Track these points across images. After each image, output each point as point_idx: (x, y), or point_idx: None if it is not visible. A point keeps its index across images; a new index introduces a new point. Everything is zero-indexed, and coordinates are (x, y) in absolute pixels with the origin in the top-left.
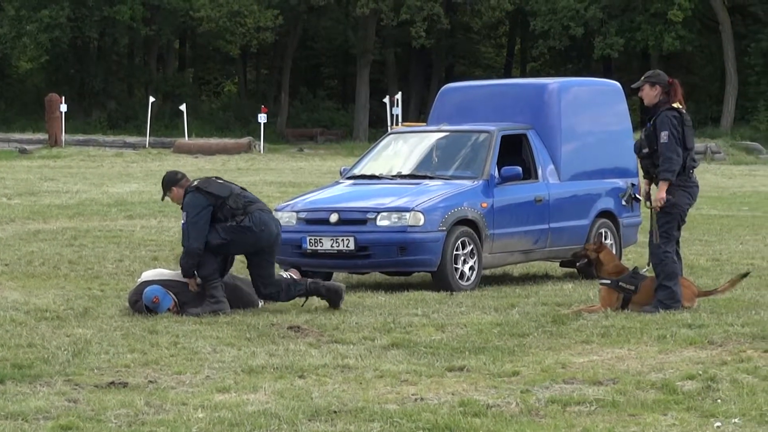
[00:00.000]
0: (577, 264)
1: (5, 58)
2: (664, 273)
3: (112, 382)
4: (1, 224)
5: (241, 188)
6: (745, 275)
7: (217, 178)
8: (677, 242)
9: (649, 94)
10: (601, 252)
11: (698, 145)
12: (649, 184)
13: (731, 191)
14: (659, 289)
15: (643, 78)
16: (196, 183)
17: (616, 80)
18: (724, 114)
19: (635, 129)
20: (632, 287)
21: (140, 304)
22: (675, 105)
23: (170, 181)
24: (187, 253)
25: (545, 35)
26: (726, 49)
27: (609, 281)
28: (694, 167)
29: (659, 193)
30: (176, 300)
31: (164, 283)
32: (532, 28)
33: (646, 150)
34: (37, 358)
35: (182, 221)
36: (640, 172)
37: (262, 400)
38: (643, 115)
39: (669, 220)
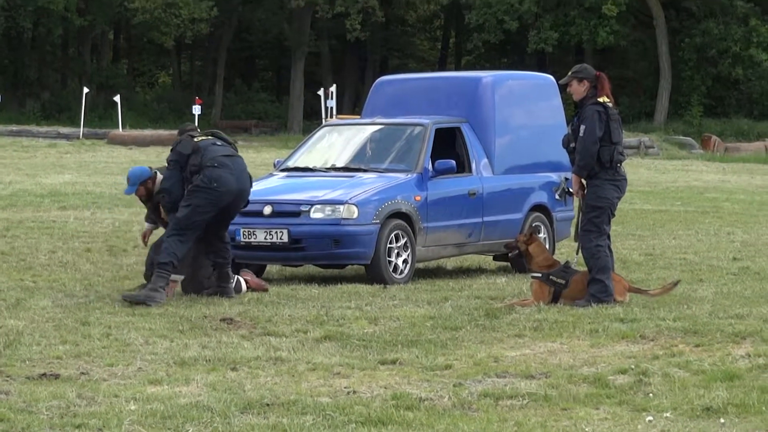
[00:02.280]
0: (509, 255)
1: None
2: (596, 267)
3: (44, 374)
4: None
5: (224, 143)
6: (677, 283)
7: (213, 134)
8: (608, 236)
9: (578, 90)
10: (531, 244)
11: (632, 139)
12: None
13: (664, 186)
14: (592, 282)
15: (570, 73)
16: (179, 138)
17: (551, 74)
18: (658, 109)
19: (569, 123)
20: (563, 281)
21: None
22: (601, 99)
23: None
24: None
25: (480, 29)
26: (660, 44)
27: (540, 275)
28: (622, 161)
29: (573, 186)
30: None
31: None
32: (467, 22)
33: (572, 144)
34: None
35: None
36: None
37: (194, 393)
38: (576, 110)
39: (599, 214)
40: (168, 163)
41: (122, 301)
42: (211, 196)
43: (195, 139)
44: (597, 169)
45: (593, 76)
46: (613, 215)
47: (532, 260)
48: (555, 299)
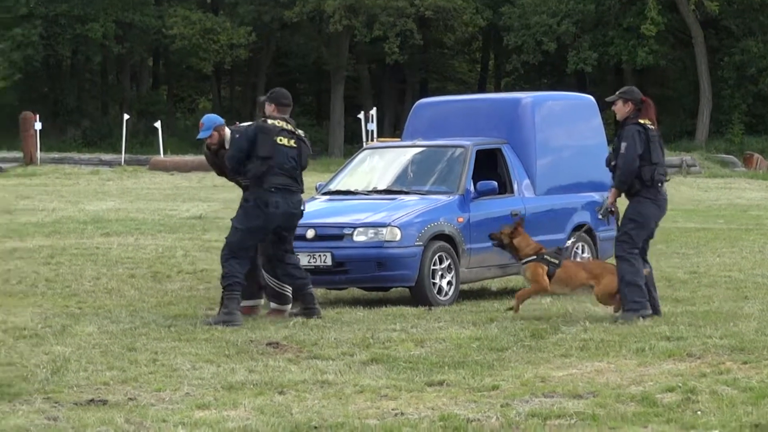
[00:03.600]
0: (493, 245)
1: None
2: (629, 276)
3: (92, 400)
4: None
5: (293, 160)
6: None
7: (285, 130)
8: (644, 253)
9: (622, 110)
10: (515, 238)
11: (673, 158)
12: (618, 195)
13: (707, 204)
14: (629, 292)
15: (617, 93)
16: (254, 125)
17: (591, 94)
18: (699, 127)
19: (610, 143)
20: (557, 261)
21: None
22: (642, 121)
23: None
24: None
25: (519, 50)
26: (699, 63)
27: (534, 257)
28: (663, 181)
29: (609, 198)
30: (223, 141)
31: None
32: (506, 44)
33: (614, 162)
34: (16, 377)
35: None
36: None
37: (242, 417)
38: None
39: (635, 227)
40: (235, 133)
41: (169, 328)
42: (262, 219)
43: (276, 139)
44: (638, 187)
45: (639, 99)
46: (653, 236)
47: (519, 254)
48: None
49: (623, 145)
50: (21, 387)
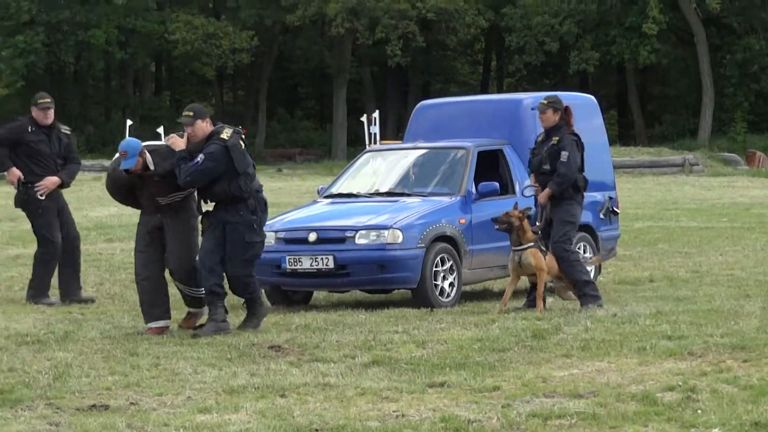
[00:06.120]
0: (497, 229)
1: None
2: (581, 271)
3: (94, 405)
4: None
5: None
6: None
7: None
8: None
9: (551, 118)
10: (524, 220)
11: (676, 157)
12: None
13: (710, 203)
14: (584, 285)
15: (547, 102)
16: (228, 137)
17: (593, 94)
18: (702, 126)
19: (611, 143)
20: (546, 250)
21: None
22: (573, 130)
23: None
24: (180, 182)
25: (521, 51)
26: (701, 61)
27: (533, 243)
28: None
29: (543, 197)
30: (146, 163)
31: (149, 147)
32: (508, 45)
33: (547, 167)
34: (18, 383)
35: (196, 160)
36: (618, 185)
37: (243, 420)
38: (545, 135)
39: (571, 229)
40: (206, 164)
41: (171, 332)
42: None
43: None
44: (571, 192)
45: (564, 108)
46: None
47: (524, 235)
48: None
49: (565, 154)
50: (23, 393)
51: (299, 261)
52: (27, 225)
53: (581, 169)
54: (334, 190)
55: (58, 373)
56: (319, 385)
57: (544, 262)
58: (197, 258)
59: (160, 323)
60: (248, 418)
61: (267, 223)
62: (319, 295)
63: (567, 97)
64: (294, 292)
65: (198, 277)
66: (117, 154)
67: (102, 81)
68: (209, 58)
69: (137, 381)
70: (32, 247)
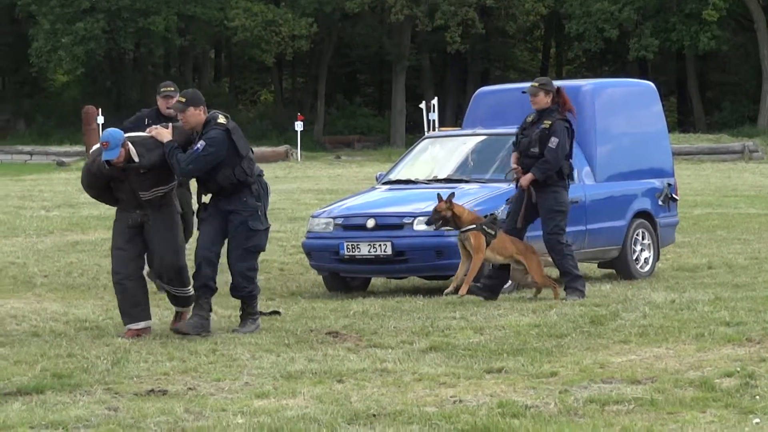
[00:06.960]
0: (435, 228)
1: (41, 72)
2: (571, 264)
3: (152, 390)
4: (41, 236)
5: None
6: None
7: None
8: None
9: (543, 100)
10: (454, 208)
11: (735, 144)
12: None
13: None
14: (573, 279)
15: (538, 85)
16: (225, 122)
17: (653, 81)
18: (762, 112)
19: (670, 130)
20: (493, 232)
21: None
22: (566, 116)
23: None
24: (179, 173)
25: (580, 38)
26: (762, 48)
27: (474, 226)
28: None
29: (525, 180)
30: (129, 154)
31: (131, 138)
32: (567, 31)
33: (535, 150)
34: (77, 368)
35: (196, 146)
36: (677, 172)
37: (301, 405)
38: (537, 117)
39: (563, 218)
40: (207, 151)
41: (229, 317)
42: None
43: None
44: (556, 178)
45: (555, 89)
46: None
47: (461, 220)
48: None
49: (555, 140)
50: (82, 378)
51: (357, 247)
52: (86, 211)
53: (568, 157)
54: (393, 177)
55: (117, 359)
56: (377, 371)
57: (482, 246)
58: (195, 252)
59: (141, 324)
60: (305, 403)
61: (326, 209)
62: (377, 281)
63: (626, 83)
64: (352, 279)
65: (187, 274)
66: (96, 145)
67: (161, 68)
68: (268, 45)
69: (195, 366)
70: (91, 234)
